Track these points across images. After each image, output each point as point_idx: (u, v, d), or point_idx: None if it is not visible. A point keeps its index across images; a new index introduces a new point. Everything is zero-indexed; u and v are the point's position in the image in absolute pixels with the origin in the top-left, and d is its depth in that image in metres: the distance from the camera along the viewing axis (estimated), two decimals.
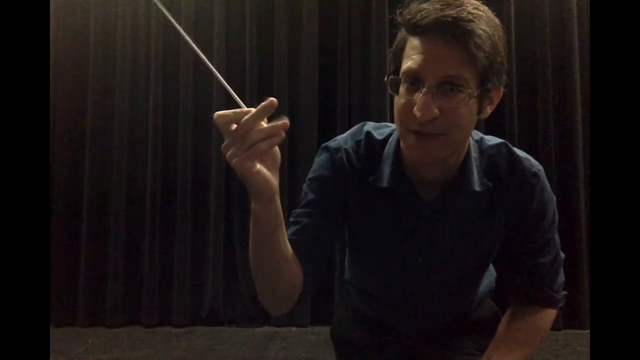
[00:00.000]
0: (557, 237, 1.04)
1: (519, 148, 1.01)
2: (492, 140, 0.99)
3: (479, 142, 0.98)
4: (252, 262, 0.87)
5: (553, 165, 2.90)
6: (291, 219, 0.97)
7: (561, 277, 1.05)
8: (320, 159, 1.00)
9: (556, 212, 1.02)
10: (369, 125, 1.02)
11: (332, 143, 1.00)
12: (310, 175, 1.00)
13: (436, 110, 0.80)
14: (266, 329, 2.98)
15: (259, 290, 0.91)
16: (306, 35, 3.09)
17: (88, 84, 3.12)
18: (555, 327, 2.84)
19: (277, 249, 0.84)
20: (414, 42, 0.82)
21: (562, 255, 1.05)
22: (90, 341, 2.78)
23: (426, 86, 0.80)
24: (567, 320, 2.87)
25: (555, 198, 1.02)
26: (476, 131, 1.00)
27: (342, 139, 1.00)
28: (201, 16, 3.12)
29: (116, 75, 3.11)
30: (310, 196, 0.97)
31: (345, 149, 0.98)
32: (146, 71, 3.14)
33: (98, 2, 3.14)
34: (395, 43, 0.87)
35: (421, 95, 0.80)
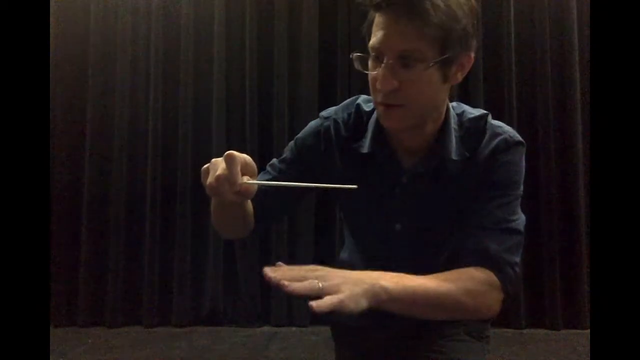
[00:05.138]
0: (516, 210, 0.97)
1: None
2: (473, 113, 1.02)
3: (460, 115, 1.01)
4: (211, 207, 0.98)
5: (553, 165, 2.90)
6: (267, 167, 1.07)
7: (508, 246, 0.94)
8: (310, 124, 1.08)
9: (518, 184, 0.98)
10: (362, 98, 1.08)
11: (325, 112, 1.08)
12: (297, 135, 1.09)
13: (395, 82, 0.87)
14: (266, 329, 2.98)
15: (213, 221, 1.03)
16: (306, 35, 3.08)
17: (88, 84, 3.11)
18: (555, 327, 2.84)
19: (233, 214, 0.93)
20: (377, 20, 0.89)
21: (519, 229, 0.96)
22: (90, 341, 2.78)
23: (384, 61, 0.87)
24: (567, 320, 2.86)
25: (523, 172, 0.99)
26: (461, 104, 1.04)
27: (334, 110, 1.08)
28: (201, 17, 3.12)
29: (116, 75, 3.11)
30: (288, 154, 1.07)
31: (334, 119, 1.05)
32: (146, 71, 3.13)
33: (98, 2, 3.14)
34: (366, 21, 0.94)
35: (381, 69, 0.87)
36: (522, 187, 1.00)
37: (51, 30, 2.98)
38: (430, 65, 0.86)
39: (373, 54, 0.90)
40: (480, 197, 0.96)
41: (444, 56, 0.87)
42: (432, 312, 0.88)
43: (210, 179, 0.80)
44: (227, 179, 0.78)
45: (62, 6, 3.12)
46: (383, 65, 0.87)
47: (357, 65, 0.93)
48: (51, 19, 2.98)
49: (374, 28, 0.89)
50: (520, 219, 0.98)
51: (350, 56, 0.94)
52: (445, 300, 0.86)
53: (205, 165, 0.83)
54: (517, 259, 0.96)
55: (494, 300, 0.92)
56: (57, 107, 3.08)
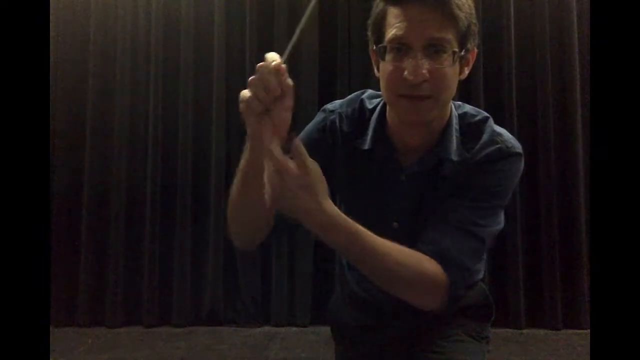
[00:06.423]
0: (489, 218, 0.96)
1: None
2: (475, 115, 1.02)
3: (462, 115, 1.02)
4: (232, 190, 0.92)
5: (553, 165, 2.90)
6: None
7: (464, 248, 0.92)
8: (315, 119, 1.08)
9: (502, 195, 0.97)
10: (366, 94, 1.08)
11: (330, 105, 1.08)
12: (300, 135, 1.05)
13: (425, 72, 0.86)
14: (266, 329, 2.98)
15: (230, 218, 0.95)
16: (306, 35, 3.08)
17: (88, 84, 3.11)
18: (555, 327, 2.84)
19: (257, 186, 0.86)
20: (395, 12, 0.89)
21: (482, 237, 0.95)
22: (90, 341, 2.78)
23: (414, 49, 0.86)
24: (567, 320, 2.86)
25: (511, 184, 0.98)
26: (464, 104, 1.05)
27: (339, 103, 1.08)
28: (201, 16, 3.12)
29: (116, 75, 3.11)
30: None
31: (339, 112, 1.05)
32: (146, 71, 3.13)
33: (98, 2, 3.14)
34: (374, 15, 0.94)
35: (410, 59, 0.86)
36: (506, 199, 0.99)
37: (51, 30, 2.98)
38: (455, 56, 0.88)
39: (394, 45, 0.89)
40: (457, 194, 0.96)
41: (466, 47, 0.90)
42: (370, 265, 0.88)
43: (254, 78, 0.79)
44: (267, 66, 0.78)
45: (62, 6, 3.12)
46: (412, 55, 0.86)
47: (380, 58, 0.92)
48: (51, 19, 2.98)
49: (393, 20, 0.89)
50: (489, 229, 0.95)
51: (373, 48, 0.95)
52: (389, 262, 0.86)
53: (243, 92, 0.83)
54: (470, 265, 0.94)
55: (433, 296, 0.90)
56: (57, 107, 3.08)
